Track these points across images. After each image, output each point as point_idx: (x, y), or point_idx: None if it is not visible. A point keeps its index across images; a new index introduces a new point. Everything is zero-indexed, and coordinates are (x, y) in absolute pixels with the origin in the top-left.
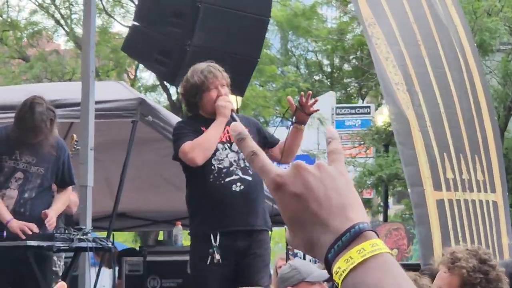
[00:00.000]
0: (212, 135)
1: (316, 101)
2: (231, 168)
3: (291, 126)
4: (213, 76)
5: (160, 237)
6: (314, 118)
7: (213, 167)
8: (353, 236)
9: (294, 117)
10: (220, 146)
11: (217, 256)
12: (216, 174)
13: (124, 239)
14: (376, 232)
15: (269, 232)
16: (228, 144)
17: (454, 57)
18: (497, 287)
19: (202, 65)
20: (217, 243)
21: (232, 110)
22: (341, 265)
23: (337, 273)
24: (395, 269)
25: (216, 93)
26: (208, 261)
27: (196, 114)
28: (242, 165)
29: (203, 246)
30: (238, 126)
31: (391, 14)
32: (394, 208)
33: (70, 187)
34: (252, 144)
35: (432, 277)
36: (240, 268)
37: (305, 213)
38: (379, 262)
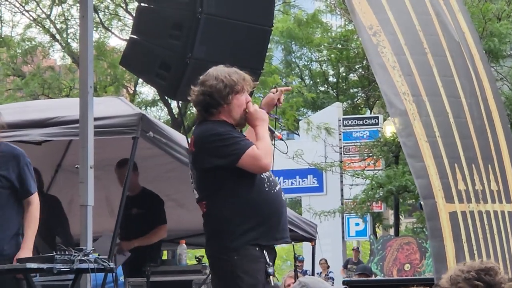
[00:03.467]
0: (270, 141)
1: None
2: (272, 178)
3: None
4: (245, 79)
5: (164, 257)
6: (321, 129)
7: (263, 176)
8: None
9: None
10: None
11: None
12: (268, 183)
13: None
14: None
15: None
16: None
17: (463, 64)
18: None
19: (226, 68)
20: (268, 259)
21: None
22: None
23: None
24: None
25: (245, 97)
26: (272, 282)
27: (217, 119)
28: (273, 175)
29: (258, 263)
30: None
31: (395, 22)
32: (405, 222)
33: (34, 196)
34: None
35: None
36: None
37: None
38: None
